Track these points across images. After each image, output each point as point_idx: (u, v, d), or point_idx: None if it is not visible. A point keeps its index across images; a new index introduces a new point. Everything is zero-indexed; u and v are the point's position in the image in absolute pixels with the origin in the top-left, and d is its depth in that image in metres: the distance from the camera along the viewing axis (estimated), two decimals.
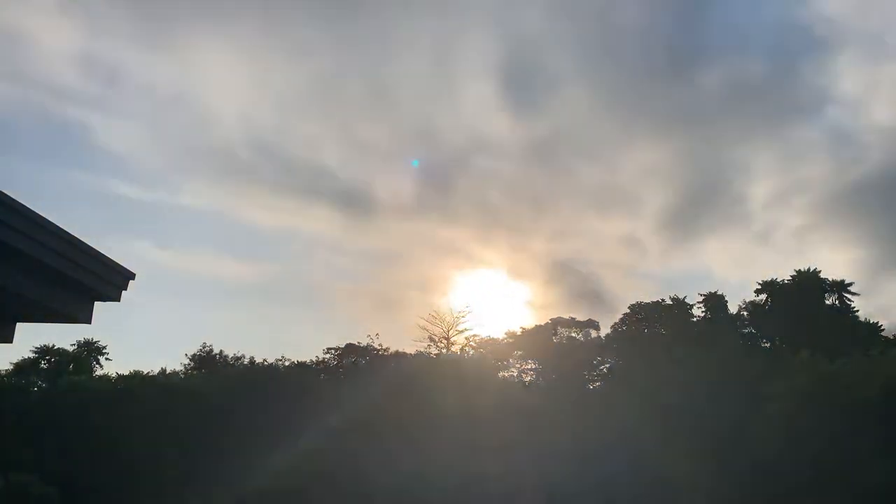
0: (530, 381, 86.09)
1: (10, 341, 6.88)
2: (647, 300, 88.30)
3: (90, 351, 79.61)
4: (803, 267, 78.08)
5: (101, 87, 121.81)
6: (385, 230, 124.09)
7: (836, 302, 76.32)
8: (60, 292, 6.23)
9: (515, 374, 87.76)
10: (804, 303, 73.58)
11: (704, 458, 47.67)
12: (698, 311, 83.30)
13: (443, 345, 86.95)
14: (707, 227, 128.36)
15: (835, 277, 77.51)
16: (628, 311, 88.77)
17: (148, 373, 71.46)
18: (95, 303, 6.66)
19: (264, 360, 76.32)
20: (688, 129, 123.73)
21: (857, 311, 75.26)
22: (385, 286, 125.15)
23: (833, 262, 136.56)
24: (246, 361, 77.77)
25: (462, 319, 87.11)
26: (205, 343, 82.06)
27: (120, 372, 72.78)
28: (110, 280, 6.50)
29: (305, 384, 67.25)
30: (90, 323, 6.72)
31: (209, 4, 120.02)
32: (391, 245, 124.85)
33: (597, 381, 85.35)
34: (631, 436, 51.07)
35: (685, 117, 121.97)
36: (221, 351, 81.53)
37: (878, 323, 73.58)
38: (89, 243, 6.15)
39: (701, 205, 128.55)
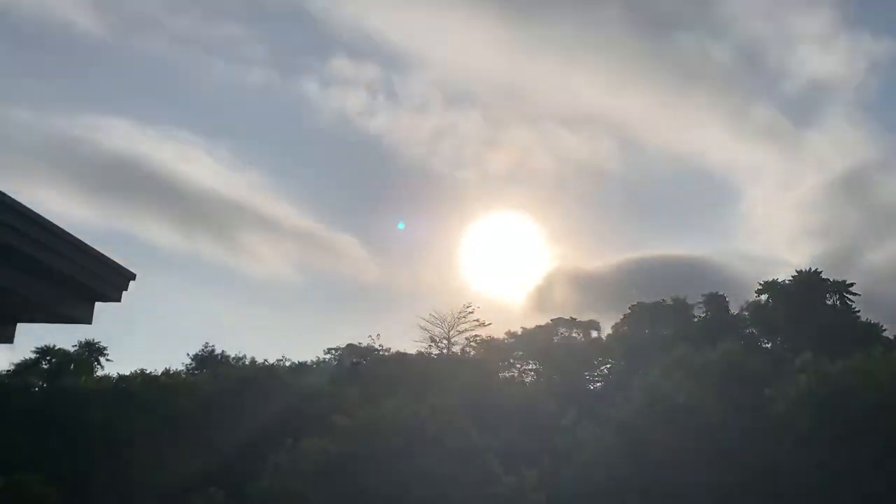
0: (531, 382, 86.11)
1: (11, 342, 6.86)
2: (648, 301, 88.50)
3: (91, 351, 79.59)
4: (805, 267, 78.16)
5: None
6: None
7: (838, 302, 76.25)
8: (60, 292, 6.21)
9: (516, 375, 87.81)
10: (805, 303, 73.52)
11: (706, 460, 47.60)
12: (699, 312, 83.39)
13: (444, 345, 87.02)
14: None
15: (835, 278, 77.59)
16: (629, 311, 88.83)
17: (150, 373, 71.46)
18: (95, 303, 6.64)
19: (265, 360, 76.46)
20: None
21: (859, 311, 75.25)
22: None
23: None
24: (247, 362, 77.84)
25: (463, 319, 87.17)
26: (206, 343, 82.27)
27: (121, 372, 72.85)
28: (110, 280, 6.47)
29: (306, 384, 67.26)
30: (90, 323, 6.69)
31: None
32: None
33: (598, 381, 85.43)
34: (632, 437, 51.01)
35: None
36: (223, 351, 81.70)
37: (879, 323, 73.58)
38: (89, 244, 6.13)
39: None
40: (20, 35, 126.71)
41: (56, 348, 77.10)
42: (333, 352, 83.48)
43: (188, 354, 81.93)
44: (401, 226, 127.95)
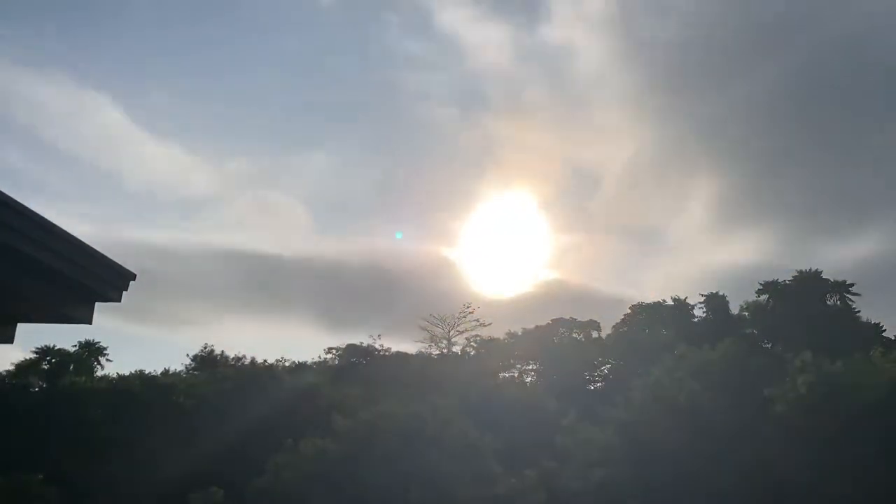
0: (531, 382, 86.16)
1: (11, 342, 6.85)
2: (648, 301, 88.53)
3: (91, 352, 79.54)
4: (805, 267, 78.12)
5: None
6: None
7: (838, 302, 76.24)
8: (60, 292, 6.20)
9: (516, 375, 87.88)
10: (805, 303, 73.52)
11: (706, 460, 47.60)
12: (699, 312, 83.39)
13: (444, 345, 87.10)
14: None
15: (836, 278, 77.56)
16: (629, 311, 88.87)
17: (149, 373, 71.51)
18: (95, 303, 6.63)
19: (265, 360, 76.55)
20: None
21: (859, 311, 75.25)
22: None
23: None
24: (247, 362, 77.88)
25: (463, 319, 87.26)
26: (206, 343, 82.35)
27: (120, 372, 72.88)
28: (111, 280, 6.46)
29: (306, 384, 67.27)
30: (90, 323, 6.69)
31: None
32: None
33: (598, 381, 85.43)
34: (632, 437, 50.99)
35: None
36: (223, 351, 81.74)
37: (879, 323, 73.58)
38: (90, 243, 6.12)
39: None
40: None
41: (56, 348, 77.08)
42: (334, 352, 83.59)
43: (188, 355, 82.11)
44: (399, 235, 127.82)
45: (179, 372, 76.30)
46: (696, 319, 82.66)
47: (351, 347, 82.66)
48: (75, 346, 78.94)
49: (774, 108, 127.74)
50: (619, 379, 72.24)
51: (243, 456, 54.26)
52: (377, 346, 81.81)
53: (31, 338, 74.01)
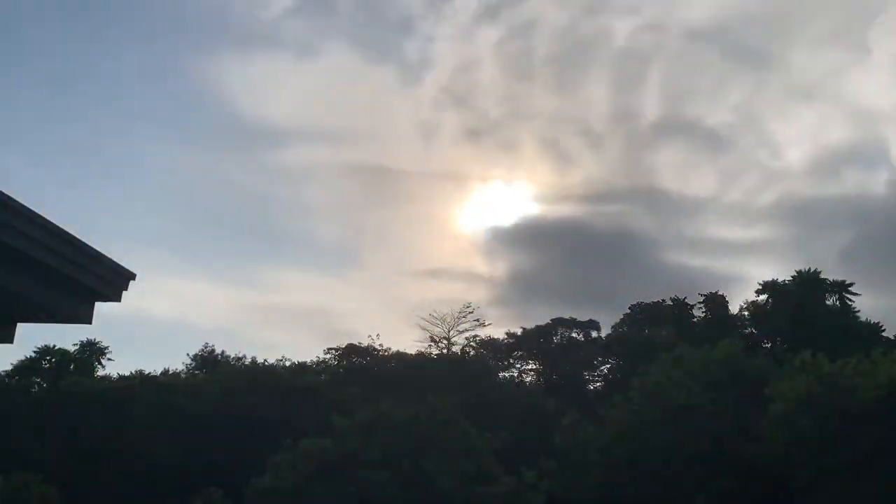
0: (531, 382, 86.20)
1: (11, 342, 6.86)
2: (648, 300, 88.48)
3: (92, 351, 79.47)
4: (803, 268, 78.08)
5: None
6: None
7: (837, 302, 76.19)
8: (60, 292, 6.21)
9: (516, 375, 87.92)
10: (805, 303, 73.47)
11: (705, 460, 47.58)
12: (699, 312, 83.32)
13: (443, 345, 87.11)
14: None
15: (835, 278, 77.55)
16: (629, 311, 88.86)
17: (149, 373, 71.52)
18: (95, 303, 6.64)
19: (265, 360, 76.64)
20: None
21: (858, 311, 75.22)
22: None
23: None
24: (247, 361, 77.99)
25: (463, 319, 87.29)
26: (206, 343, 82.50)
27: (121, 372, 72.88)
28: (110, 280, 6.47)
29: (306, 384, 67.29)
30: (90, 323, 6.69)
31: None
32: None
33: (597, 381, 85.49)
34: (632, 437, 50.98)
35: None
36: (223, 351, 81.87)
37: (879, 323, 73.55)
38: (89, 243, 6.14)
39: None
40: None
41: (56, 348, 76.98)
42: (333, 351, 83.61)
43: (188, 354, 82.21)
44: None
45: (179, 372, 76.34)
46: (695, 319, 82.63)
47: (350, 347, 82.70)
48: (75, 345, 78.89)
49: None
50: (619, 379, 72.24)
51: (243, 456, 54.26)
52: (377, 345, 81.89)
53: (31, 338, 73.90)
